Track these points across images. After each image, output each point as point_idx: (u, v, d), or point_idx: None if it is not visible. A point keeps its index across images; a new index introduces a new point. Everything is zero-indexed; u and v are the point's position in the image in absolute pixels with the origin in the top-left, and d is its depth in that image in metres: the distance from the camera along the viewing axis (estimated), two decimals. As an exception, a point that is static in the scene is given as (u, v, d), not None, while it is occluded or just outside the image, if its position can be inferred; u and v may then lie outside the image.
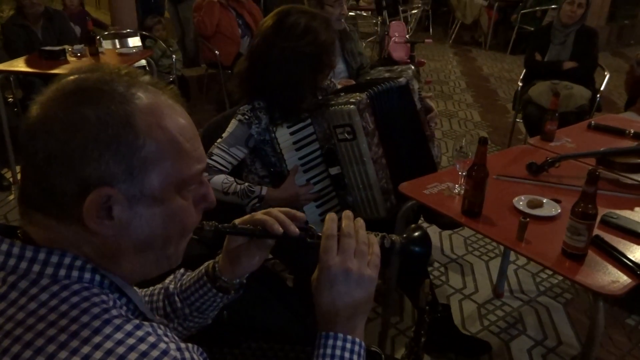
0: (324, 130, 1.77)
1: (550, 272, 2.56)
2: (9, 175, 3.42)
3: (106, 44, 4.05)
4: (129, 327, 0.59)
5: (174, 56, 4.41)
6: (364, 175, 1.78)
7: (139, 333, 0.58)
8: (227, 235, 0.91)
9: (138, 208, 0.63)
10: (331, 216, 0.84)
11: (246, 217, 0.90)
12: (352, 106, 1.69)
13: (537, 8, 7.12)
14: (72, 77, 0.64)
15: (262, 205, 1.75)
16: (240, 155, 1.75)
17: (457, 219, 1.58)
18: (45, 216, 0.63)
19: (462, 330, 2.16)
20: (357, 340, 0.80)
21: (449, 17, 8.34)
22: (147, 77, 0.68)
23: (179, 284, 0.98)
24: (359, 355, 0.79)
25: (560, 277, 2.53)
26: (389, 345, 2.08)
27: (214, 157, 1.74)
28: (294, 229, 0.86)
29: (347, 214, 0.85)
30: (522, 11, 7.12)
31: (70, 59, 3.42)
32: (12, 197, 3.24)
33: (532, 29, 6.64)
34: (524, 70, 3.89)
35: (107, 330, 0.57)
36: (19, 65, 3.28)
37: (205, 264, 0.97)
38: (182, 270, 1.00)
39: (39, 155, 0.61)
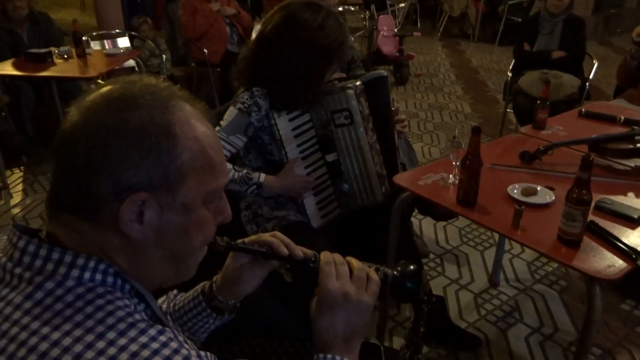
0: (321, 117, 1.78)
1: (545, 260, 2.58)
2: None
3: (94, 45, 4.02)
4: (152, 331, 0.60)
5: (163, 56, 4.39)
6: (360, 160, 1.80)
7: (162, 338, 0.60)
8: (231, 254, 0.92)
9: (168, 215, 0.66)
10: (325, 252, 0.87)
11: (253, 237, 0.92)
12: (349, 90, 1.72)
13: (524, -1, 7.16)
14: (115, 86, 0.66)
15: (261, 192, 1.75)
16: (239, 144, 1.73)
17: (452, 208, 1.58)
18: (77, 218, 0.64)
19: (459, 320, 2.17)
20: None
21: (437, 10, 8.35)
22: (182, 92, 0.71)
23: (172, 304, 0.99)
24: None
25: (555, 265, 2.55)
26: (387, 337, 2.09)
27: None
28: (299, 253, 0.89)
29: (333, 253, 0.88)
30: (509, 2, 7.15)
31: (57, 61, 3.40)
32: (2, 202, 3.20)
33: (520, 19, 6.67)
34: (513, 61, 3.91)
35: (132, 333, 0.59)
36: (6, 69, 3.25)
37: (201, 284, 0.97)
38: (175, 291, 1.02)
39: (80, 157, 0.62)
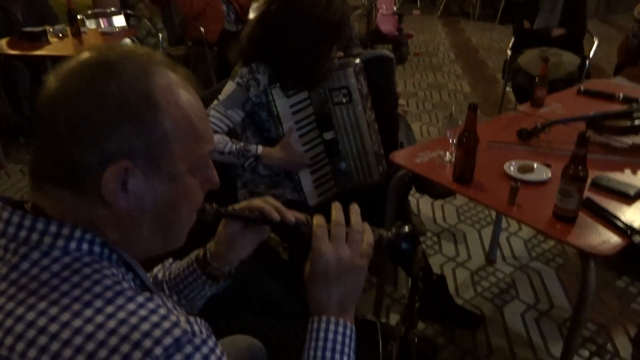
0: (320, 95, 1.77)
1: (542, 238, 2.59)
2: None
3: (90, 24, 3.97)
4: (140, 298, 0.59)
5: (160, 35, 4.34)
6: (358, 138, 1.80)
7: (150, 305, 0.59)
8: (223, 220, 0.92)
9: (152, 183, 0.65)
10: (336, 204, 0.86)
11: (243, 202, 0.91)
12: (349, 68, 1.72)
13: (525, -24, 7.05)
14: (93, 52, 0.65)
15: (251, 168, 1.75)
16: (237, 118, 1.73)
17: (449, 185, 1.59)
18: (61, 188, 0.63)
19: (455, 297, 2.18)
20: (349, 324, 0.83)
21: (437, -12, 8.25)
22: (163, 57, 0.69)
23: (167, 273, 0.99)
24: (350, 338, 0.82)
25: (552, 243, 2.56)
26: (384, 314, 2.10)
27: (210, 119, 1.72)
28: (290, 217, 0.88)
29: (337, 205, 0.87)
30: (509, -20, 7.06)
31: (52, 39, 3.37)
32: (1, 182, 3.20)
33: (521, -3, 6.59)
34: (513, 39, 3.87)
35: (120, 301, 0.58)
36: (1, 48, 3.21)
37: (195, 251, 0.97)
38: (170, 260, 1.02)
39: (60, 127, 0.61)
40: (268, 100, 1.73)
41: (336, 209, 0.86)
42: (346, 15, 1.72)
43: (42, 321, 0.56)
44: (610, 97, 2.25)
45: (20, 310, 0.57)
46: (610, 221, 1.37)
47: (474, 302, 2.18)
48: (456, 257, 2.47)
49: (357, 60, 1.75)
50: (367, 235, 0.86)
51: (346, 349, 0.80)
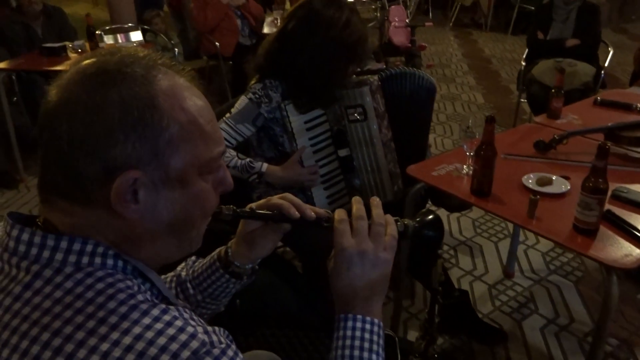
0: (335, 112, 1.77)
1: (560, 251, 2.56)
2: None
3: (107, 39, 4.04)
4: (155, 311, 0.58)
5: (175, 49, 4.40)
6: (372, 157, 1.79)
7: (166, 317, 0.58)
8: (243, 220, 0.91)
9: (163, 191, 0.63)
10: (356, 198, 0.85)
11: (262, 201, 0.90)
12: (364, 87, 1.72)
13: (537, -14, 7.05)
14: (91, 60, 0.63)
15: (262, 181, 1.75)
16: (247, 132, 1.74)
17: (467, 199, 1.58)
18: (70, 202, 0.62)
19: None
20: (376, 320, 0.80)
21: (448, 0, 8.27)
22: (165, 60, 0.67)
23: (190, 271, 0.97)
24: (378, 335, 0.80)
25: (570, 255, 2.53)
26: (402, 328, 2.09)
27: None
28: (310, 213, 0.86)
29: (357, 199, 0.86)
30: (521, -10, 7.06)
31: (72, 55, 3.42)
32: (19, 195, 3.25)
33: (533, 7, 6.58)
34: (527, 50, 3.86)
35: (135, 315, 0.57)
36: (21, 63, 3.28)
37: (217, 250, 0.96)
38: (193, 258, 1.00)
39: (63, 139, 0.60)
40: (282, 116, 1.74)
41: (357, 202, 0.84)
42: (363, 37, 1.71)
43: (57, 341, 0.55)
44: (627, 108, 2.24)
45: (35, 331, 0.56)
46: (632, 234, 1.35)
47: (492, 317, 2.15)
48: (473, 271, 2.44)
49: (375, 78, 1.75)
50: (390, 227, 0.83)
51: (375, 347, 0.78)
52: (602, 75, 3.50)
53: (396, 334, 1.87)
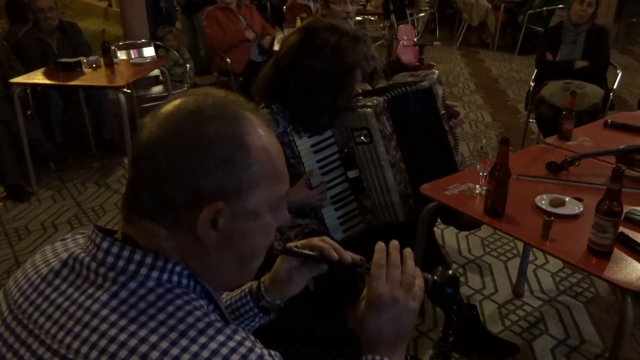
0: (343, 134, 1.78)
1: (569, 271, 2.56)
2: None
3: (121, 54, 4.10)
4: (228, 330, 0.63)
5: (187, 65, 4.46)
6: (381, 179, 1.78)
7: (237, 337, 0.63)
8: (282, 256, 0.96)
9: (240, 222, 0.69)
10: (381, 246, 0.89)
11: (304, 241, 0.95)
12: (368, 109, 1.70)
13: (544, 8, 7.12)
14: (190, 98, 0.69)
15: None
16: None
17: (480, 219, 1.59)
18: (157, 225, 0.67)
19: (484, 330, 2.16)
20: None
21: (456, 19, 8.36)
22: (246, 102, 0.73)
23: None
24: None
25: (580, 276, 2.53)
26: (412, 346, 2.09)
27: None
28: (348, 257, 0.92)
29: (394, 244, 0.90)
30: (528, 12, 7.13)
31: (86, 70, 3.48)
32: (31, 208, 3.28)
33: (540, 29, 6.65)
34: (536, 71, 3.90)
35: (210, 331, 0.62)
36: (37, 77, 3.34)
37: (248, 284, 1.00)
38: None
39: (161, 167, 0.65)
40: (289, 140, 1.75)
41: (394, 249, 0.88)
42: (349, 68, 1.71)
43: (143, 348, 0.59)
44: (637, 130, 2.26)
45: (122, 337, 0.61)
46: (645, 257, 1.36)
47: (502, 336, 2.15)
48: (482, 290, 2.45)
49: (381, 99, 1.73)
50: (419, 279, 0.88)
51: None
52: (611, 97, 3.53)
53: (407, 353, 1.87)
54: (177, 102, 0.69)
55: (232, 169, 0.66)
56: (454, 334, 1.59)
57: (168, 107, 0.69)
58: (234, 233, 0.69)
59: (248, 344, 0.62)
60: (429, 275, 0.92)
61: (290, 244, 0.94)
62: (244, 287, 1.00)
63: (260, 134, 0.70)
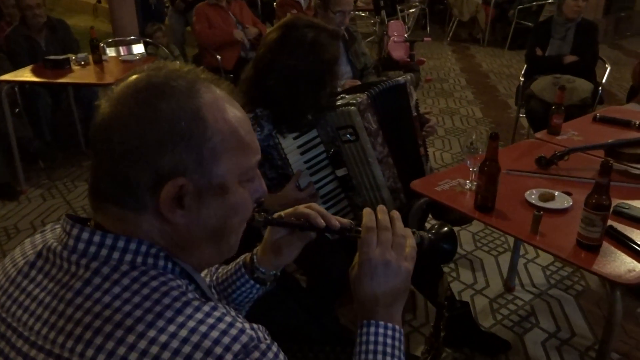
0: (328, 133, 1.76)
1: (560, 265, 2.58)
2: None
3: (110, 51, 4.07)
4: (206, 308, 0.62)
5: (177, 62, 4.43)
6: (370, 175, 1.78)
7: (217, 313, 0.62)
8: (270, 227, 0.95)
9: (206, 198, 0.67)
10: (368, 210, 0.87)
11: (289, 210, 0.93)
12: (352, 107, 1.69)
13: (534, 3, 7.15)
14: (141, 75, 0.67)
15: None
16: None
17: (471, 214, 1.60)
18: (121, 208, 0.66)
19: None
20: (397, 327, 0.83)
21: (446, 15, 8.36)
22: (206, 73, 0.71)
23: (214, 277, 1.01)
24: (399, 341, 0.83)
25: (571, 270, 2.55)
26: (405, 342, 2.09)
27: None
28: (335, 223, 0.90)
29: (382, 208, 0.88)
30: (518, 7, 7.15)
31: (75, 67, 3.45)
32: (20, 206, 3.25)
33: (530, 24, 6.66)
34: (525, 66, 3.91)
35: (188, 311, 0.61)
36: (25, 75, 3.31)
37: (242, 256, 1.00)
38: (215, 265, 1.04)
39: (116, 148, 0.64)
40: (275, 143, 1.73)
41: (382, 212, 0.87)
42: (328, 64, 1.69)
43: (119, 333, 0.59)
44: (626, 124, 2.27)
45: (97, 323, 0.60)
46: (634, 249, 1.37)
47: (493, 330, 2.16)
48: (474, 285, 2.46)
49: (364, 97, 1.71)
50: (410, 239, 0.86)
51: (396, 352, 0.81)
52: (600, 91, 3.55)
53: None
54: (129, 79, 0.67)
55: (189, 144, 0.64)
56: (446, 329, 1.60)
57: (121, 86, 0.67)
58: (203, 209, 0.67)
59: (228, 319, 0.62)
60: (425, 234, 0.90)
61: (276, 215, 0.92)
62: (238, 260, 0.99)
63: (220, 104, 0.68)
